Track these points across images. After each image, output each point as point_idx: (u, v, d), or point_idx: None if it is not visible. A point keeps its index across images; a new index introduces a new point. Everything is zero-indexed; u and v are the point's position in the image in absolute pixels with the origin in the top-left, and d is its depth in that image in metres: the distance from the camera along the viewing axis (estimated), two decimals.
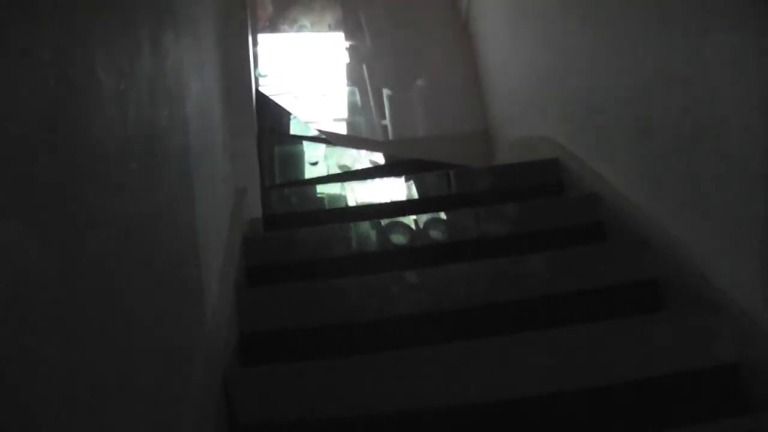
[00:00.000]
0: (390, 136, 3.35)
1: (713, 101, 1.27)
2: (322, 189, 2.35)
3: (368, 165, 3.26)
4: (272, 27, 3.63)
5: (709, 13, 1.26)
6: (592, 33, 1.84)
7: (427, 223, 1.86)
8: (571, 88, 2.03)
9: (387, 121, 3.38)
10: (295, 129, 3.30)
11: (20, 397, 0.48)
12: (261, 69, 3.44)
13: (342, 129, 3.39)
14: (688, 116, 1.37)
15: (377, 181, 2.39)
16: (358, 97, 3.44)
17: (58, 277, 0.56)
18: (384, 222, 1.86)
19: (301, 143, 3.27)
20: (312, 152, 3.24)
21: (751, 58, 1.15)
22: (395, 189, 2.28)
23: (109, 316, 0.68)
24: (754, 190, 1.17)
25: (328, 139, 3.26)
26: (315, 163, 3.20)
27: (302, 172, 3.21)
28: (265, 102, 3.09)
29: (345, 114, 3.45)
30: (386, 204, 2.21)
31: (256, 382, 1.28)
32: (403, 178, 2.32)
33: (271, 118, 3.14)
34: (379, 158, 3.29)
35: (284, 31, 3.67)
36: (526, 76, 2.60)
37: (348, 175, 3.10)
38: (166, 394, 0.88)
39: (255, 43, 3.44)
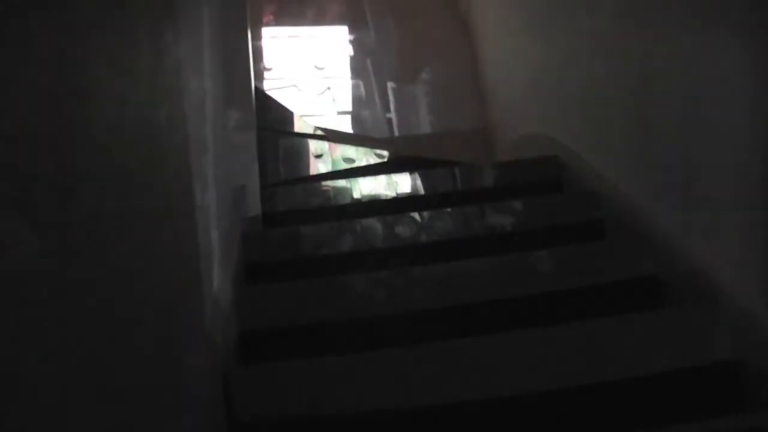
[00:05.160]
0: (395, 129, 3.36)
1: (714, 100, 1.27)
2: (321, 186, 2.34)
3: (368, 161, 3.26)
4: (277, 20, 3.63)
5: (709, 11, 1.26)
6: (592, 30, 1.84)
7: (428, 221, 1.86)
8: (571, 86, 2.03)
9: (392, 114, 3.38)
10: (295, 126, 3.30)
11: (19, 395, 0.48)
12: (265, 62, 3.44)
13: (347, 122, 3.40)
14: (689, 114, 1.37)
15: (379, 178, 2.38)
16: (362, 90, 3.44)
17: (57, 275, 0.56)
18: (386, 219, 1.86)
19: (302, 141, 3.26)
20: (312, 150, 3.24)
21: (751, 56, 1.15)
22: (397, 186, 2.28)
23: (109, 313, 0.68)
24: (754, 187, 1.17)
25: (328, 136, 3.25)
26: (319, 156, 3.21)
27: (302, 169, 3.21)
28: (265, 99, 3.09)
29: (349, 107, 3.45)
30: (388, 201, 2.21)
31: (255, 380, 1.28)
32: (404, 175, 2.31)
33: (271, 116, 3.14)
34: (381, 152, 3.29)
35: (288, 25, 3.67)
36: (525, 73, 2.59)
37: (348, 172, 3.10)
38: (165, 392, 0.88)
39: (259, 37, 3.44)
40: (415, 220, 1.86)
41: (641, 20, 1.54)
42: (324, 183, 2.36)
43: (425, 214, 1.87)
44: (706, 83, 1.29)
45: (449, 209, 1.91)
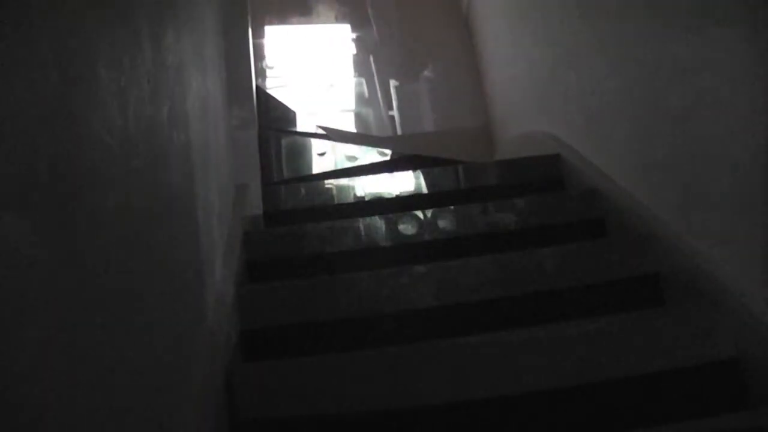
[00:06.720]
0: (397, 127, 3.36)
1: (714, 97, 1.27)
2: (323, 185, 2.34)
3: (370, 159, 3.26)
4: (279, 18, 3.63)
5: (710, 9, 1.25)
6: (593, 28, 1.84)
7: (431, 219, 1.86)
8: (572, 84, 2.03)
9: (394, 112, 3.39)
10: (297, 125, 3.30)
11: (20, 396, 0.48)
12: (267, 60, 3.44)
13: (349, 120, 3.41)
14: (689, 113, 1.37)
15: (382, 176, 2.38)
16: (365, 88, 3.44)
17: (58, 275, 0.56)
18: (388, 217, 1.86)
19: (304, 139, 3.27)
20: (314, 148, 3.25)
21: (752, 53, 1.15)
22: (399, 184, 2.28)
23: (110, 312, 0.68)
24: (755, 186, 1.17)
25: (330, 135, 3.26)
26: (321, 154, 3.21)
27: (304, 167, 3.21)
28: (266, 98, 3.09)
29: (352, 105, 3.45)
30: (390, 199, 2.21)
31: (257, 378, 1.29)
32: (407, 173, 2.32)
33: (272, 114, 3.14)
34: (383, 150, 3.29)
35: (291, 23, 3.67)
36: (526, 72, 2.59)
37: (350, 170, 3.11)
38: (168, 390, 0.89)
39: (261, 35, 3.44)
40: (417, 218, 1.86)
41: (642, 19, 1.54)
42: (326, 181, 2.36)
43: (428, 212, 1.87)
44: (707, 82, 1.29)
45: (452, 207, 1.92)
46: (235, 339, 1.41)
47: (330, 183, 2.32)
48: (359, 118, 3.43)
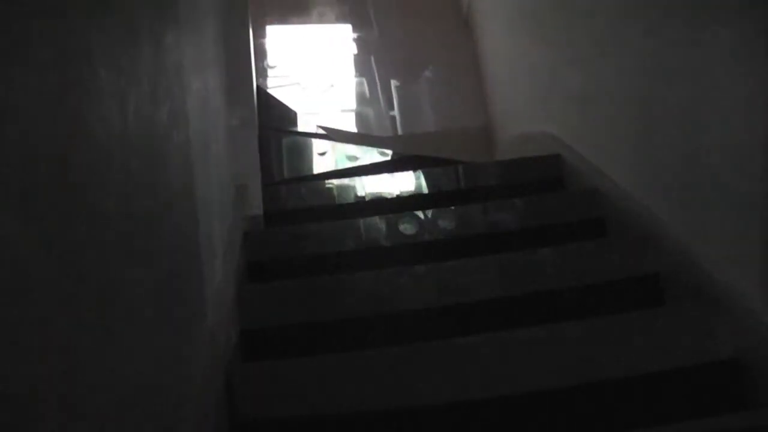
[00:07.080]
0: (398, 127, 3.37)
1: (714, 97, 1.27)
2: (324, 185, 2.34)
3: (371, 159, 3.26)
4: (280, 18, 3.64)
5: (709, 7, 1.25)
6: (593, 28, 1.84)
7: (431, 220, 1.86)
8: (572, 84, 2.03)
9: (395, 112, 3.39)
10: (298, 125, 3.30)
11: (19, 397, 0.48)
12: (268, 60, 3.44)
13: (350, 120, 3.41)
14: (689, 112, 1.37)
15: (382, 176, 2.38)
16: (366, 88, 3.45)
17: (57, 274, 0.56)
18: (389, 217, 1.86)
19: (305, 139, 3.27)
20: (315, 148, 3.25)
21: (751, 53, 1.15)
22: (400, 184, 2.28)
23: (110, 312, 0.68)
24: (755, 185, 1.17)
25: (330, 135, 3.26)
26: (322, 154, 3.21)
27: (304, 167, 3.22)
28: (266, 98, 3.09)
29: (353, 105, 3.45)
30: (391, 199, 2.21)
31: (257, 378, 1.29)
32: (408, 173, 2.32)
33: (273, 114, 3.14)
34: (384, 150, 3.29)
35: (292, 23, 3.67)
36: (526, 72, 2.59)
37: (351, 170, 3.11)
38: (168, 390, 0.89)
39: (262, 35, 3.44)
40: (418, 218, 1.86)
41: (642, 18, 1.54)
42: (326, 181, 2.36)
43: (428, 212, 1.87)
44: (707, 82, 1.29)
45: (452, 207, 1.92)
46: (235, 339, 1.41)
47: (330, 183, 2.32)
48: (360, 118, 3.43)
